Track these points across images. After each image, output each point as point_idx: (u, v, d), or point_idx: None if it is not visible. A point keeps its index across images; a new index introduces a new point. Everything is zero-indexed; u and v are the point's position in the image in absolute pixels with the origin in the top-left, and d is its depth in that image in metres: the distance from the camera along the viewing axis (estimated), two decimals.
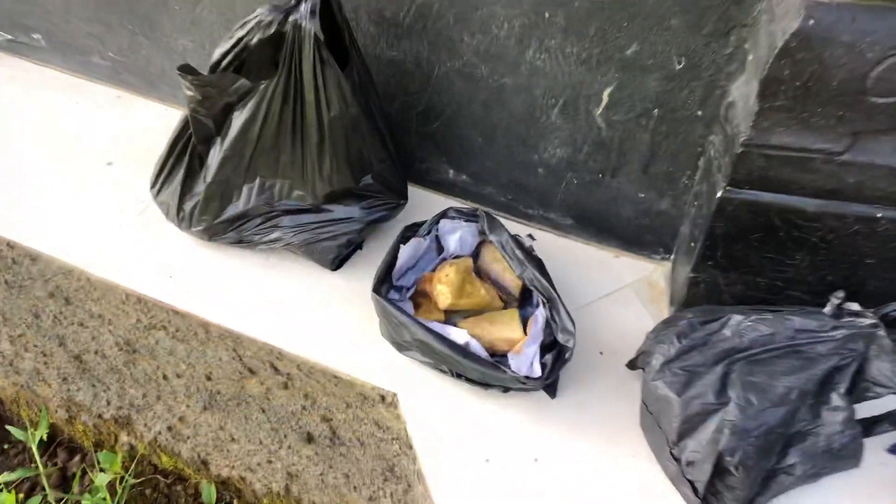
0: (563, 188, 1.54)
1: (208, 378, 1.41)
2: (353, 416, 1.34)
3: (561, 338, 1.26)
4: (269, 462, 1.31)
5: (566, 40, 1.30)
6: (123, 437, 1.39)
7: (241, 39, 1.33)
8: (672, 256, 1.54)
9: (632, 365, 1.33)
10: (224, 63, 1.36)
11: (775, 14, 1.05)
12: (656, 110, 1.32)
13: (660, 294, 1.51)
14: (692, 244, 1.33)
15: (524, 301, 1.45)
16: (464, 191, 1.68)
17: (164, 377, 1.42)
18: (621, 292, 1.51)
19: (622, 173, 1.45)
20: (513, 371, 1.23)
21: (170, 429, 1.36)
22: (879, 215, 1.15)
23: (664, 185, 1.43)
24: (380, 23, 1.46)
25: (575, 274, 1.52)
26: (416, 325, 1.26)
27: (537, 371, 1.26)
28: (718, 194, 1.19)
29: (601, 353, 1.40)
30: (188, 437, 1.35)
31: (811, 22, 0.98)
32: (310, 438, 1.34)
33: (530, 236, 1.44)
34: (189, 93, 1.37)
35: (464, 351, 1.25)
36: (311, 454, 1.32)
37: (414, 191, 1.67)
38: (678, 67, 1.25)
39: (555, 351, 1.27)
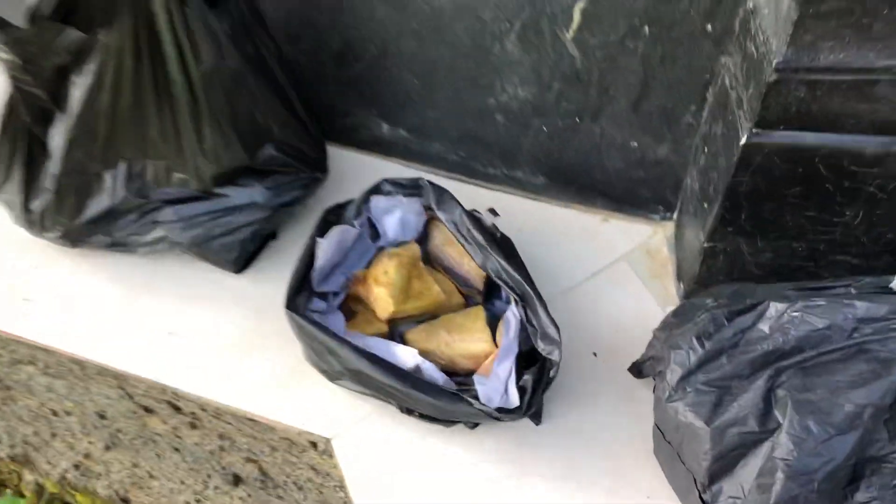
0: (530, 139, 1.41)
1: (102, 416, 1.28)
2: (283, 460, 1.20)
3: (542, 347, 1.06)
4: (198, 502, 1.21)
5: None
6: (28, 476, 1.31)
7: None
8: (675, 216, 1.39)
9: (637, 371, 1.16)
10: (45, 10, 1.11)
11: None
12: (646, 27, 1.19)
13: (662, 265, 1.33)
14: (705, 204, 1.16)
15: (491, 292, 1.25)
16: (405, 150, 1.52)
17: (54, 413, 1.29)
18: (614, 267, 1.35)
19: (606, 114, 1.32)
20: (482, 403, 1.03)
21: (77, 466, 1.26)
22: None
23: (661, 126, 1.30)
24: None
25: (553, 248, 1.36)
26: (346, 349, 1.06)
27: (514, 399, 1.05)
28: (742, 139, 1.02)
29: (595, 354, 1.23)
30: (100, 475, 1.25)
31: None
32: (237, 480, 1.21)
33: (492, 211, 1.27)
34: (3, 56, 1.12)
35: (413, 380, 1.05)
36: (244, 495, 1.20)
37: (340, 153, 1.51)
38: None
39: (535, 368, 1.07)
